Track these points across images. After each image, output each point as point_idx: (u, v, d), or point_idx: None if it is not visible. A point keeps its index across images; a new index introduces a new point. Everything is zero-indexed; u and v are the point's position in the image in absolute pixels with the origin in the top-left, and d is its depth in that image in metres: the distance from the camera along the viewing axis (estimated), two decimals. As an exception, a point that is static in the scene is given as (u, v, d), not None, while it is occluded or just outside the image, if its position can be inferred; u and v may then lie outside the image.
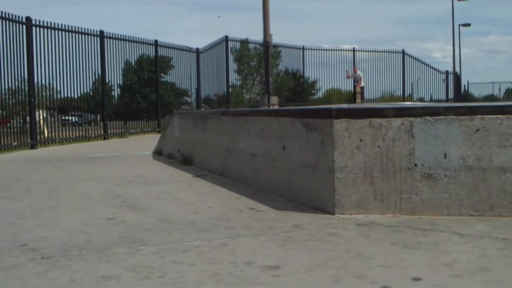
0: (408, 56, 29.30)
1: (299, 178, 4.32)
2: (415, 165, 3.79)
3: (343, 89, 28.68)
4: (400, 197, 3.78)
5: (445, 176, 3.76)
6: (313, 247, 3.02)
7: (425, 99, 31.43)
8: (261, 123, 5.10)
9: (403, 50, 29.13)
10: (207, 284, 2.45)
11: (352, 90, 27.16)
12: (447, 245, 3.01)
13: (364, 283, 2.41)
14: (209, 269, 2.66)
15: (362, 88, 26.62)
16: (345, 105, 13.62)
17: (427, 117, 3.81)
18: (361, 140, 3.84)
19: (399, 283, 2.39)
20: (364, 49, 28.72)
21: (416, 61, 30.01)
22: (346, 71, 27.26)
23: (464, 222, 3.54)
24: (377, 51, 28.87)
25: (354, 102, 25.59)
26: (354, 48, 28.29)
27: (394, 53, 29.10)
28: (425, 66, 30.62)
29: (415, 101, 28.53)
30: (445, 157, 3.77)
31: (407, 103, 22.74)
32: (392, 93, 29.72)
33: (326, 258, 2.81)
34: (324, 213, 3.87)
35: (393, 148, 3.82)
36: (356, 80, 26.79)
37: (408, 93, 30.12)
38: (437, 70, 31.61)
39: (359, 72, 27.00)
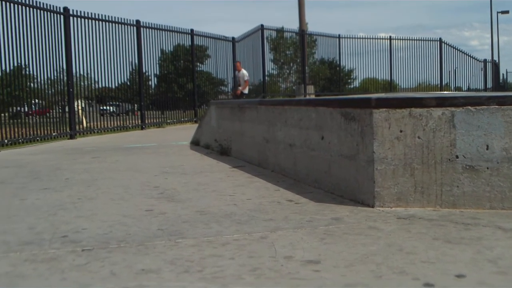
0: (445, 45, 28.90)
1: (338, 169, 4.28)
2: (457, 157, 3.72)
3: (379, 78, 28.39)
4: (441, 190, 3.72)
5: (487, 168, 3.69)
6: (353, 241, 2.98)
7: (463, 88, 30.98)
8: (299, 113, 5.06)
9: (440, 38, 28.75)
10: (247, 279, 2.43)
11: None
12: (490, 240, 2.95)
13: (406, 280, 2.36)
14: (249, 263, 2.65)
15: (243, 94, 18.88)
16: (384, 95, 13.47)
17: (469, 107, 3.73)
18: (401, 131, 3.78)
19: (442, 280, 2.34)
20: (401, 38, 28.36)
21: (454, 49, 29.59)
22: (238, 62, 20.05)
23: (507, 216, 3.47)
24: (414, 40, 28.51)
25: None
26: (390, 37, 27.96)
27: (431, 41, 28.74)
28: (462, 54, 30.18)
29: (453, 91, 28.15)
30: (487, 149, 3.69)
31: (447, 92, 22.45)
32: (429, 82, 29.38)
33: (366, 252, 2.77)
34: (363, 205, 3.83)
35: (434, 139, 3.75)
36: (239, 82, 19.32)
37: (445, 82, 29.73)
38: (475, 59, 31.13)
39: (243, 70, 19.49)
